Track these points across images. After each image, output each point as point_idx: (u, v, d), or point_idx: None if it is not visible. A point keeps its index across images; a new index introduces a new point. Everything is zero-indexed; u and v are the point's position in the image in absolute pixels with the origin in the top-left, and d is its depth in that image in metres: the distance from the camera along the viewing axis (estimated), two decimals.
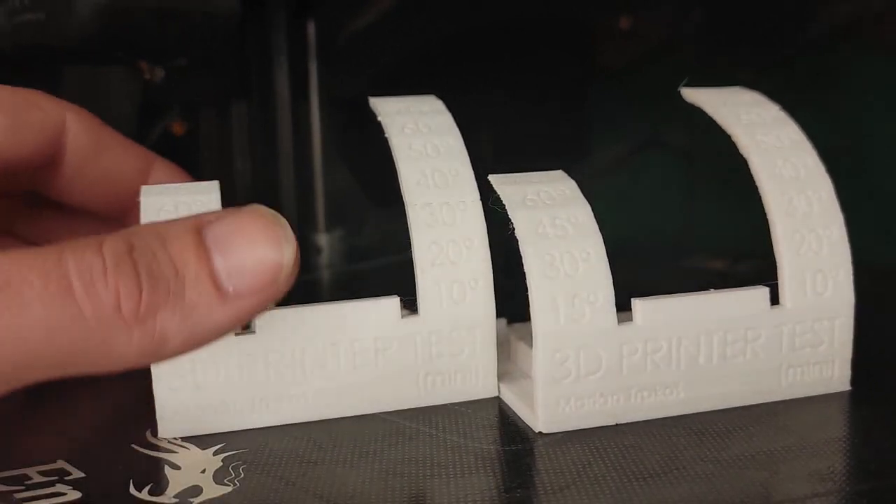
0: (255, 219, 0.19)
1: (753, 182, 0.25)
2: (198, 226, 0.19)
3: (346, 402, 0.24)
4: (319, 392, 0.24)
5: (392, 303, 0.24)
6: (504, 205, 0.23)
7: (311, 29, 0.49)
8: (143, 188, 0.24)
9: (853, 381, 0.25)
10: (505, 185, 0.24)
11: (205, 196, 0.24)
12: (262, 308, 0.19)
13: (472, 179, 0.25)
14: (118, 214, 0.30)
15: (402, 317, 0.24)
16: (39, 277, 0.17)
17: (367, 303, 0.24)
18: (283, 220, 0.19)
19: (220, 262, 0.19)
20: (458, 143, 0.26)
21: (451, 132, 0.26)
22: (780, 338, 0.24)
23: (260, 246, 0.19)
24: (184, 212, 0.23)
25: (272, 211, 0.20)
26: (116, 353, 0.18)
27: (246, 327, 0.23)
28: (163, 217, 0.22)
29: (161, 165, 0.30)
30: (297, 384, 0.23)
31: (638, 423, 0.23)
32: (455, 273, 0.24)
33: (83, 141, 0.28)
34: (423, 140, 0.25)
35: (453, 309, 0.24)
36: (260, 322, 0.23)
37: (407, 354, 0.24)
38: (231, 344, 0.23)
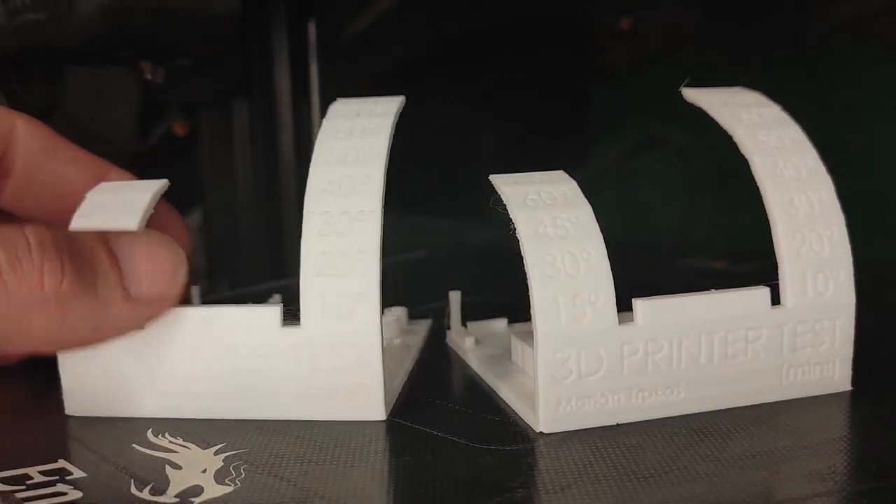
0: (154, 239, 0.22)
1: (753, 182, 0.25)
2: (104, 238, 0.22)
3: (230, 405, 0.24)
4: (206, 390, 0.24)
5: (273, 311, 0.23)
6: (505, 205, 0.23)
7: (312, 29, 0.49)
8: (100, 185, 0.26)
9: (854, 381, 0.25)
10: (506, 185, 0.24)
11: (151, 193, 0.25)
12: (157, 315, 0.22)
13: (380, 187, 0.24)
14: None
15: (283, 325, 0.23)
16: None
17: (248, 309, 0.23)
18: (177, 244, 0.23)
19: (125, 268, 0.21)
20: (382, 146, 0.24)
21: (380, 134, 0.25)
22: (780, 338, 0.24)
23: (159, 261, 0.22)
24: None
25: (167, 236, 0.23)
26: (31, 332, 0.20)
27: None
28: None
29: (116, 176, 0.30)
30: (187, 381, 0.24)
31: (639, 422, 0.23)
32: (341, 286, 0.23)
33: (33, 149, 0.28)
34: (346, 144, 0.25)
35: (337, 323, 0.23)
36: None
37: (288, 365, 0.23)
38: (126, 336, 0.23)
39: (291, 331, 0.23)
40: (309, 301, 0.23)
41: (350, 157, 0.24)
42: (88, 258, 0.21)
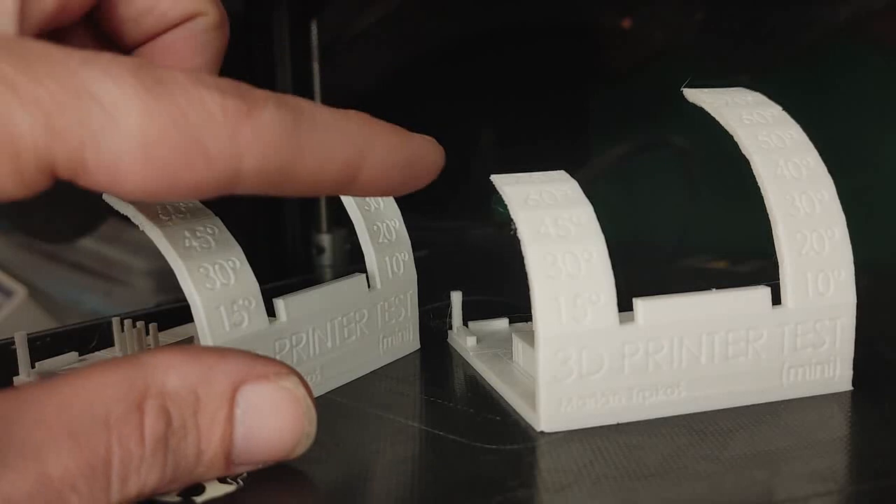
0: (291, 402, 0.19)
1: (754, 182, 0.25)
2: (235, 385, 0.19)
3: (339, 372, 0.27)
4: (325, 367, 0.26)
5: (360, 279, 0.28)
6: (506, 205, 0.23)
7: (314, 29, 0.49)
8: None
9: (854, 381, 0.25)
10: (507, 185, 0.24)
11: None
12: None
13: None
14: (140, 41, 0.25)
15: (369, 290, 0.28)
16: (86, 485, 0.17)
17: (343, 280, 0.27)
18: (313, 411, 0.20)
19: (239, 440, 0.19)
20: None
21: None
22: (781, 338, 0.24)
23: (282, 433, 0.19)
24: None
25: (307, 395, 0.19)
26: None
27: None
28: None
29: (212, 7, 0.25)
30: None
31: (639, 422, 0.23)
32: (391, 250, 0.29)
33: None
34: None
35: (397, 279, 0.29)
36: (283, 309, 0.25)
37: (374, 320, 0.28)
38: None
39: (372, 292, 0.28)
40: (379, 265, 0.29)
41: None
42: (199, 441, 0.18)
